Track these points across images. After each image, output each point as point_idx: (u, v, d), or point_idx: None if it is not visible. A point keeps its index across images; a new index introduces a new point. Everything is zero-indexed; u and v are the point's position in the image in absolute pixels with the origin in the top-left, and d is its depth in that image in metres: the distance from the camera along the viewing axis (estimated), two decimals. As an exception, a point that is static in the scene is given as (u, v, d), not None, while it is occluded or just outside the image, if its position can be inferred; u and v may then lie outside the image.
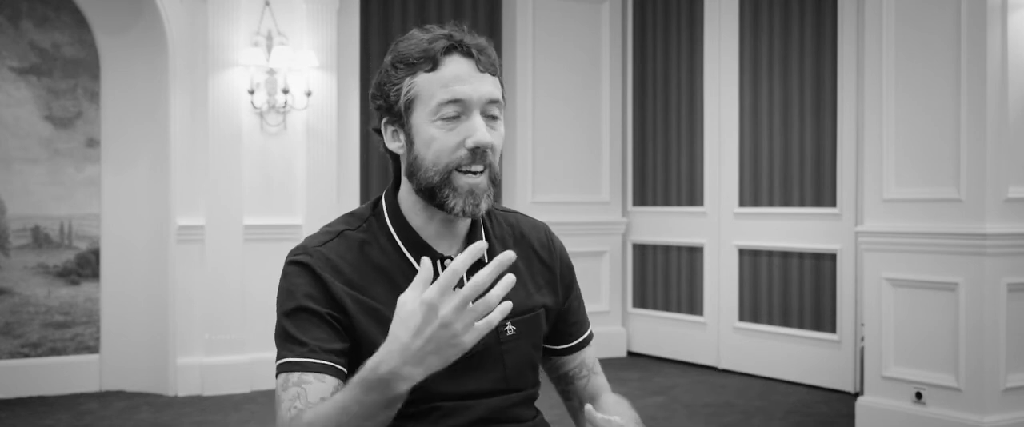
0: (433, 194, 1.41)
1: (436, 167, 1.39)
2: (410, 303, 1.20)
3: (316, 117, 5.40)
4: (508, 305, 1.18)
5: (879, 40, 4.20)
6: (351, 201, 5.60)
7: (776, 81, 5.57)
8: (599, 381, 1.65)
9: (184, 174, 5.23)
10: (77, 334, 5.33)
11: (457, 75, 1.39)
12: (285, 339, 1.40)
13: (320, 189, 5.42)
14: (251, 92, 5.19)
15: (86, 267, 5.35)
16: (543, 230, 1.61)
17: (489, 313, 1.18)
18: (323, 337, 1.39)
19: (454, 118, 1.39)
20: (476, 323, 1.18)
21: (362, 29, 5.80)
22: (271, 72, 5.25)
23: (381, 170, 5.95)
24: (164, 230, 5.31)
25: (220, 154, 5.21)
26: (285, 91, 5.22)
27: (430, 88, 1.39)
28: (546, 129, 6.29)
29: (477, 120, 1.39)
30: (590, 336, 1.65)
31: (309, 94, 5.29)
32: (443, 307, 1.17)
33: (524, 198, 6.18)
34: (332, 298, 1.41)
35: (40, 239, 5.27)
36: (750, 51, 5.73)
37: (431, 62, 1.39)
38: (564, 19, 6.34)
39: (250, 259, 5.27)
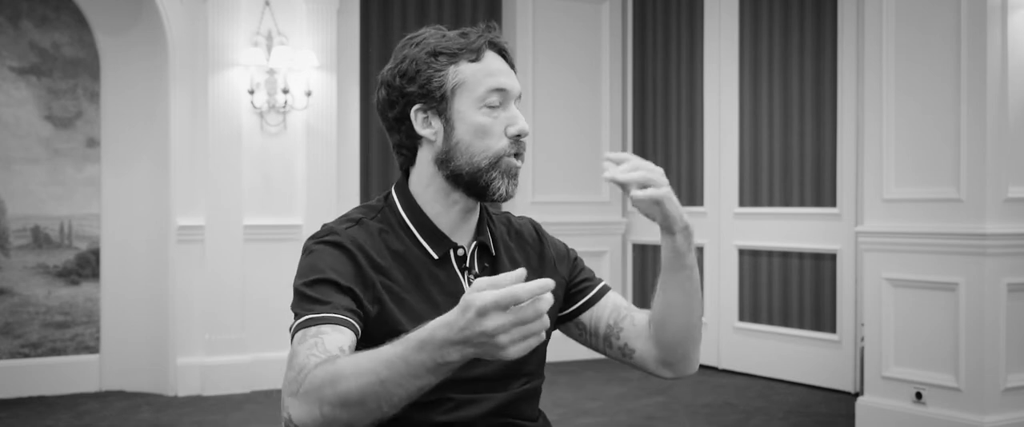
0: (475, 179, 1.47)
1: (486, 153, 1.47)
2: (472, 297, 1.12)
3: (316, 117, 5.40)
4: (547, 321, 1.14)
5: (879, 40, 4.20)
6: (351, 201, 5.59)
7: (776, 81, 5.57)
8: (643, 313, 1.62)
9: (184, 174, 5.23)
10: (77, 334, 5.33)
11: (499, 68, 1.50)
12: (304, 301, 1.38)
13: (320, 189, 5.42)
14: (251, 92, 5.20)
15: (86, 267, 5.35)
16: (529, 224, 1.69)
17: (534, 334, 1.14)
18: (344, 302, 1.38)
19: (496, 107, 1.48)
20: (523, 341, 1.14)
21: (362, 29, 5.80)
22: (271, 72, 5.25)
23: (381, 170, 5.94)
24: (164, 230, 5.31)
25: (220, 154, 5.21)
26: (285, 91, 5.22)
27: (476, 77, 1.48)
28: (546, 129, 6.29)
29: (515, 110, 1.50)
30: (607, 287, 1.68)
31: (309, 94, 5.30)
32: (489, 320, 1.12)
33: (524, 198, 6.18)
34: (363, 277, 1.42)
35: (40, 239, 5.27)
36: (750, 51, 5.73)
37: (475, 53, 1.48)
38: (564, 19, 6.33)
39: (250, 259, 5.27)
